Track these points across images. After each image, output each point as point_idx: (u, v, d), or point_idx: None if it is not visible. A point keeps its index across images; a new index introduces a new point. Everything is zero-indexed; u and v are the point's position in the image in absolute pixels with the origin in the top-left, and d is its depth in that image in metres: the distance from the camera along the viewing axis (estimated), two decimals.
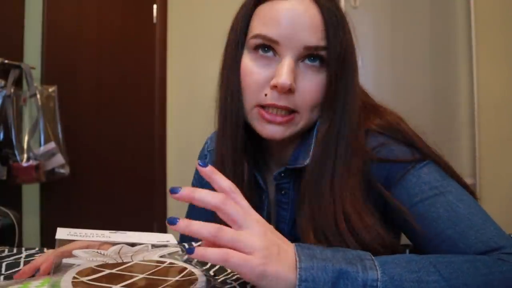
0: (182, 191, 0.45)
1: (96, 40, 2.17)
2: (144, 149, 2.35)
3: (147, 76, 2.36)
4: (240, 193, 0.47)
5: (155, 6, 2.37)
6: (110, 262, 0.48)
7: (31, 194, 1.93)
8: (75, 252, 0.50)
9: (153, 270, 0.47)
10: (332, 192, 0.57)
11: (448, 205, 0.54)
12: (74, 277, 0.43)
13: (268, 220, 0.68)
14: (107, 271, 0.45)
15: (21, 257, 0.62)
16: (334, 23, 0.57)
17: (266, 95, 0.58)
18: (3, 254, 0.62)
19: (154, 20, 2.38)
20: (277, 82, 0.56)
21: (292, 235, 0.63)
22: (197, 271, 0.47)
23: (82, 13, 2.13)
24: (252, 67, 0.60)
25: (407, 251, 0.64)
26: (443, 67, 1.96)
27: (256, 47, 0.59)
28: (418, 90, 1.94)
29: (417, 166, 0.57)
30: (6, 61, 1.73)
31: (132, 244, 0.54)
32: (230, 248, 0.42)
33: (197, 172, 0.80)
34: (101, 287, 0.41)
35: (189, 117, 2.38)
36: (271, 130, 0.59)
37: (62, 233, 0.53)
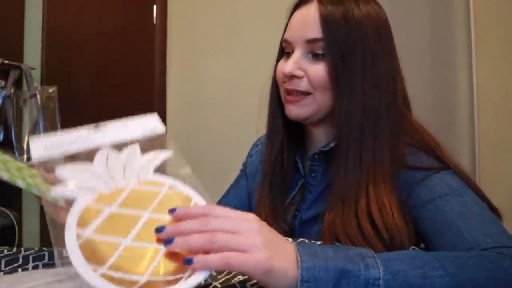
0: (166, 230, 0.43)
1: (96, 41, 2.17)
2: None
3: (147, 77, 2.36)
4: (219, 206, 0.46)
5: (155, 7, 2.37)
6: (104, 190, 0.45)
7: (31, 195, 1.92)
8: (59, 172, 0.45)
9: (156, 203, 0.44)
10: (348, 170, 0.65)
11: (463, 203, 0.59)
12: (77, 235, 0.39)
13: (294, 200, 0.78)
14: (107, 211, 0.42)
15: (20, 250, 0.62)
16: (331, 19, 0.67)
17: (285, 82, 0.72)
18: (2, 254, 0.62)
19: (154, 21, 2.38)
20: (282, 71, 0.71)
21: (308, 216, 0.74)
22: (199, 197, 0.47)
23: (82, 14, 2.13)
24: (279, 64, 0.75)
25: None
26: (443, 67, 1.96)
27: (284, 51, 0.75)
28: (418, 90, 1.94)
29: (442, 172, 0.64)
30: (6, 62, 1.73)
31: (119, 148, 0.49)
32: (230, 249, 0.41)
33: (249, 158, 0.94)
34: (110, 246, 0.39)
35: (189, 118, 2.39)
36: (290, 109, 0.72)
37: (37, 149, 0.46)
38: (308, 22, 0.69)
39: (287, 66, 0.70)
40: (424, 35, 1.97)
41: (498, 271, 0.47)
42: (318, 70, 0.69)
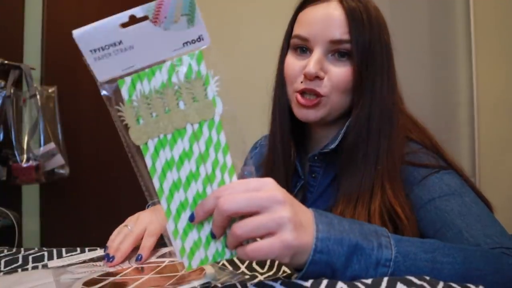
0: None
1: None
2: None
3: None
4: (227, 185, 0.42)
5: None
6: (111, 270, 0.47)
7: (30, 195, 1.92)
8: (70, 269, 0.49)
9: (157, 270, 0.46)
10: (364, 171, 0.64)
11: (462, 203, 0.59)
12: None
13: None
14: (111, 278, 0.44)
15: (20, 250, 0.62)
16: (358, 20, 0.66)
17: (301, 82, 0.69)
18: (2, 254, 0.62)
19: None
20: (305, 71, 0.67)
21: None
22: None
23: (82, 14, 2.13)
24: (291, 61, 0.71)
25: None
26: (443, 67, 1.96)
27: (295, 47, 0.71)
28: (418, 90, 1.94)
29: (441, 172, 0.64)
30: (6, 62, 1.73)
31: None
32: (259, 236, 0.39)
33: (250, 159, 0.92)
34: None
35: None
36: (304, 113, 0.69)
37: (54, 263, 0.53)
38: (333, 21, 0.67)
39: (311, 66, 0.66)
40: (424, 35, 1.97)
41: (503, 266, 0.48)
42: (342, 71, 0.67)
